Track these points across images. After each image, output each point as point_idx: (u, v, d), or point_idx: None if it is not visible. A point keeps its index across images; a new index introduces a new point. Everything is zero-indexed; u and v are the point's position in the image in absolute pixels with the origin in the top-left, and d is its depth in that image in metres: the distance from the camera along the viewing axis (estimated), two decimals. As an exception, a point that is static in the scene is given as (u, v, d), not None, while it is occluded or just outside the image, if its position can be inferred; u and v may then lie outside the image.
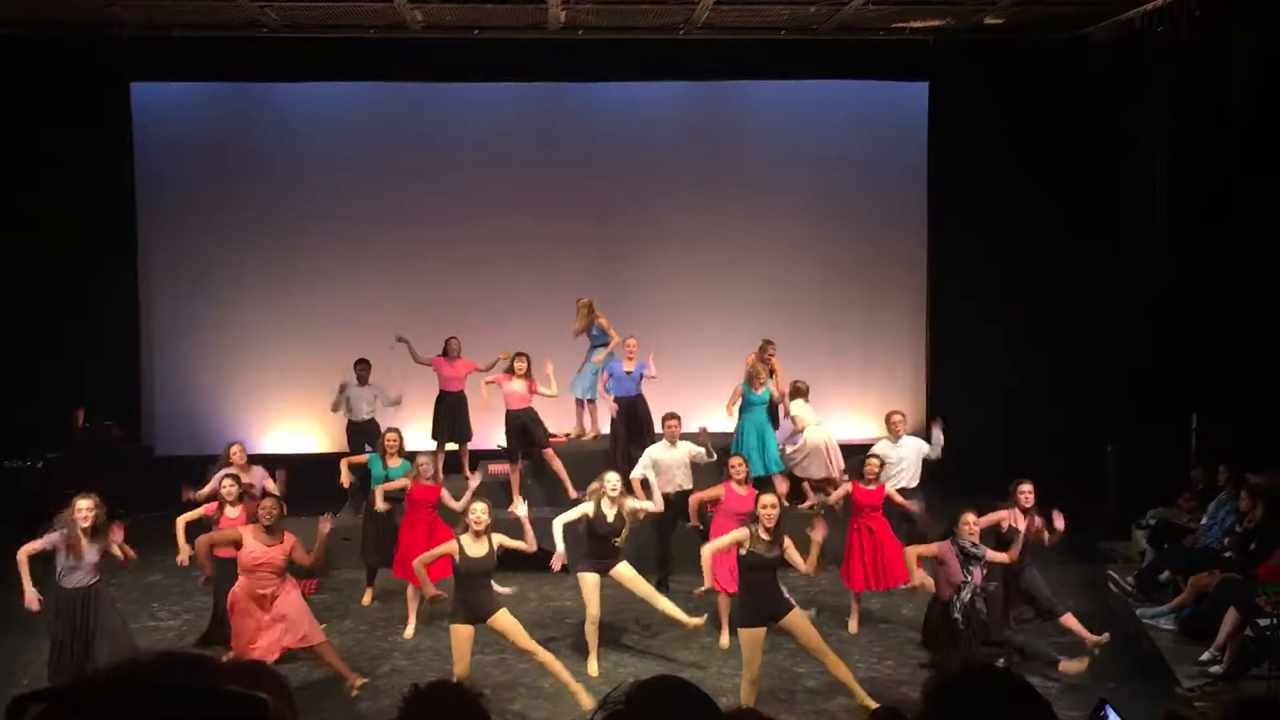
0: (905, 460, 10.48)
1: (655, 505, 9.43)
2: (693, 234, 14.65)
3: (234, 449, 10.14)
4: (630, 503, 9.13)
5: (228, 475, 9.42)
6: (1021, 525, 8.68)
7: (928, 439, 10.89)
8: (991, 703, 1.87)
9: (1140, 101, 12.88)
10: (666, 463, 10.59)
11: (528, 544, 8.52)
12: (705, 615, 9.13)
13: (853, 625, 9.89)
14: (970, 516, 8.13)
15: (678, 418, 10.73)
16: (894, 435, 10.61)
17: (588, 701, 7.74)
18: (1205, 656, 8.65)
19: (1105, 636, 8.66)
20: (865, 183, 14.84)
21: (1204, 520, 10.55)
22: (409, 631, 9.83)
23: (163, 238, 14.46)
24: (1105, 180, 13.56)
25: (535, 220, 14.53)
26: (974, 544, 8.08)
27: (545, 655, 8.06)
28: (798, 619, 7.90)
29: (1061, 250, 14.03)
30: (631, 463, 10.85)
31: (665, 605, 9.00)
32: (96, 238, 13.93)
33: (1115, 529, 11.89)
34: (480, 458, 12.78)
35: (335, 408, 12.59)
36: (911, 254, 15.00)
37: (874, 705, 7.54)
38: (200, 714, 1.09)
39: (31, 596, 7.93)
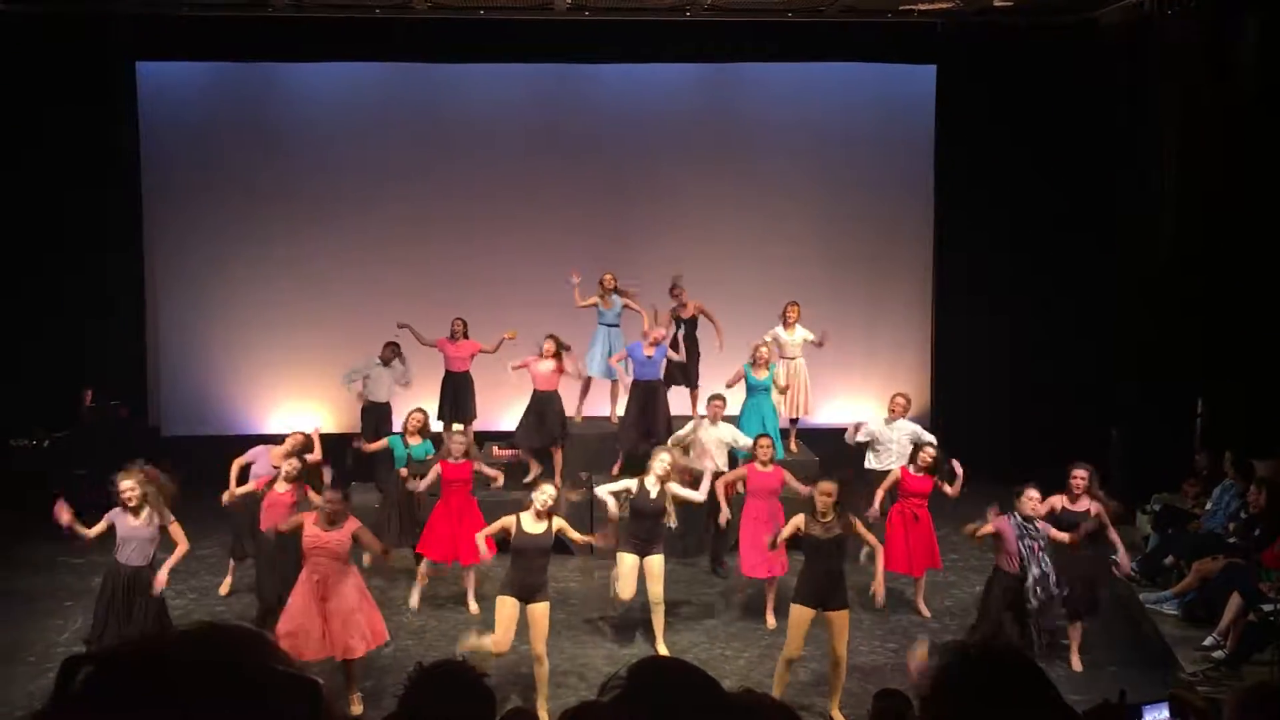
0: (895, 443, 10.60)
1: (699, 496, 9.38)
2: (697, 216, 14.62)
3: (298, 436, 9.78)
4: (674, 488, 9.05)
5: (293, 456, 9.26)
6: (1076, 508, 8.69)
7: (927, 426, 10.95)
8: (999, 684, 1.87)
9: (1149, 85, 12.82)
10: (704, 440, 10.69)
11: (596, 538, 8.74)
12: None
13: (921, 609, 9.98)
14: (1032, 492, 8.21)
15: (723, 399, 10.93)
16: (891, 416, 10.68)
17: None
18: (1208, 641, 8.67)
19: (1079, 668, 8.62)
20: (872, 166, 14.79)
21: (1208, 506, 10.55)
22: (413, 600, 9.90)
23: (169, 217, 14.44)
24: (1112, 165, 13.51)
25: (542, 201, 14.51)
26: (1030, 519, 8.12)
27: (543, 668, 8.00)
28: (842, 618, 7.94)
29: (1067, 234, 13.99)
30: (640, 443, 11.01)
31: (658, 622, 9.04)
32: (103, 217, 13.90)
33: (1120, 514, 11.87)
34: (486, 439, 12.79)
35: (348, 382, 12.51)
36: (917, 238, 14.97)
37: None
38: (251, 691, 1.08)
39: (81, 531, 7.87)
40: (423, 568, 10.02)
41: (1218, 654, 8.48)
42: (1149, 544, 10.80)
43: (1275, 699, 2.39)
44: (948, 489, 9.77)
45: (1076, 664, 8.66)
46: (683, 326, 12.31)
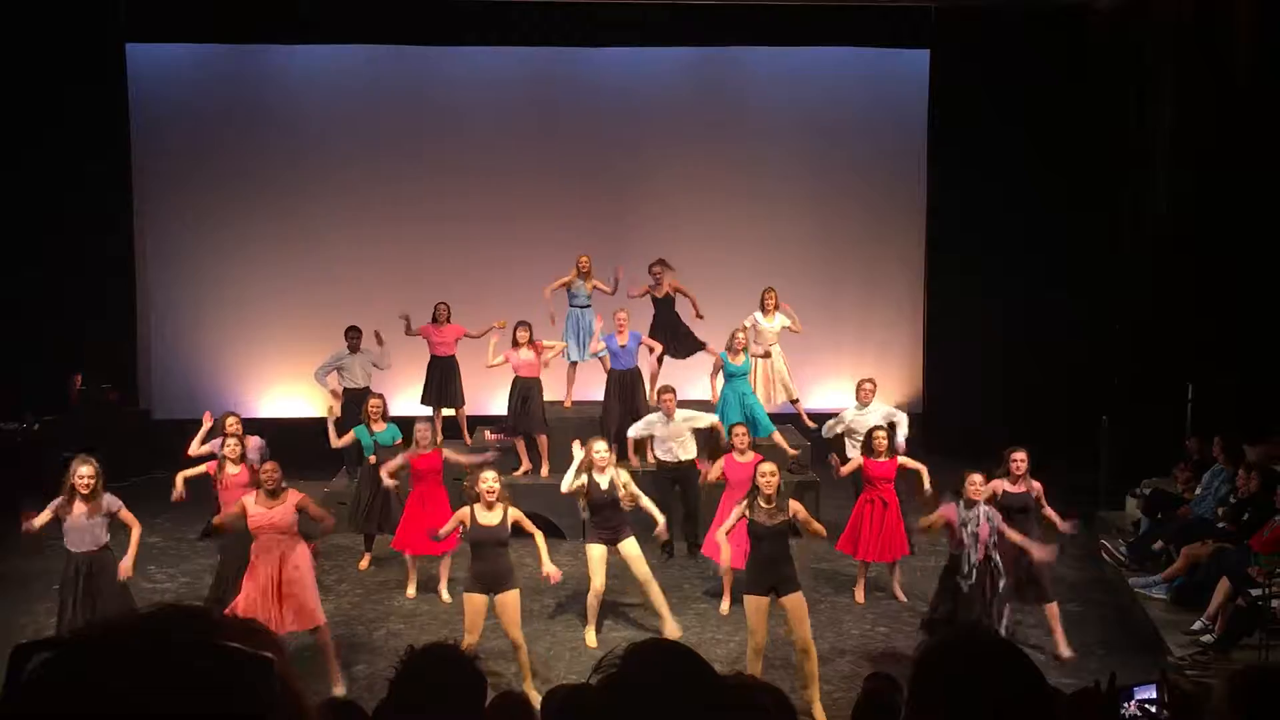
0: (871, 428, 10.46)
1: (646, 500, 9.07)
2: (690, 201, 14.61)
3: (230, 420, 9.84)
4: (624, 479, 8.95)
5: (231, 436, 9.31)
6: (1017, 490, 8.63)
7: (919, 410, 10.90)
8: (982, 668, 1.88)
9: (1142, 69, 12.81)
10: (663, 435, 10.65)
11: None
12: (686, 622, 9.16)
13: (859, 594, 9.88)
14: (976, 477, 8.15)
15: (673, 390, 10.81)
16: (862, 403, 10.62)
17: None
18: (1196, 626, 8.69)
19: (1072, 656, 8.46)
20: (865, 151, 14.79)
21: (1198, 491, 10.57)
22: (410, 591, 9.89)
23: (160, 200, 14.41)
24: (1105, 150, 13.51)
25: (535, 185, 14.49)
26: (973, 503, 8.07)
27: (523, 653, 7.93)
28: (797, 601, 7.74)
29: (1059, 220, 14.00)
30: (622, 435, 11.00)
31: (656, 597, 8.92)
32: (93, 200, 13.87)
33: (1109, 498, 11.92)
34: (477, 423, 12.78)
35: (321, 377, 12.41)
36: (910, 223, 14.97)
37: (822, 717, 7.55)
38: (203, 670, 1.08)
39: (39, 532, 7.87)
40: (409, 561, 10.03)
41: (1206, 638, 8.50)
42: (1139, 529, 10.83)
43: (1266, 682, 2.40)
44: (922, 471, 9.73)
45: (1064, 649, 8.46)
46: (658, 307, 12.27)
